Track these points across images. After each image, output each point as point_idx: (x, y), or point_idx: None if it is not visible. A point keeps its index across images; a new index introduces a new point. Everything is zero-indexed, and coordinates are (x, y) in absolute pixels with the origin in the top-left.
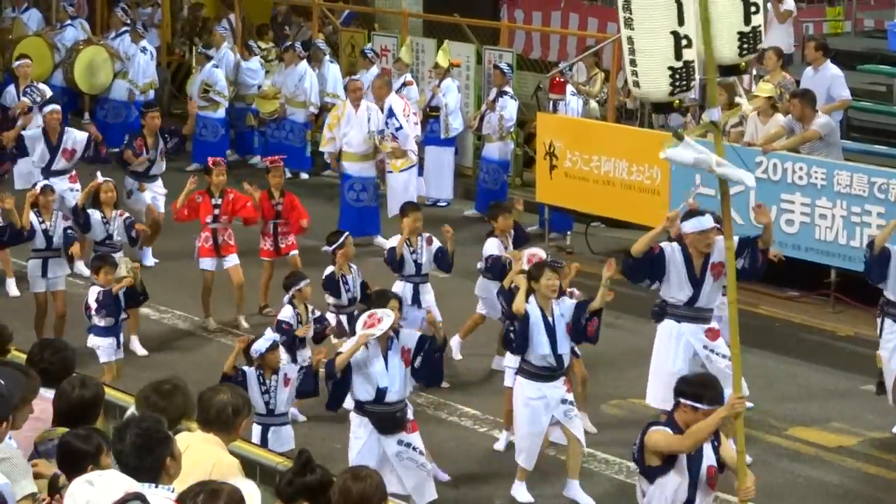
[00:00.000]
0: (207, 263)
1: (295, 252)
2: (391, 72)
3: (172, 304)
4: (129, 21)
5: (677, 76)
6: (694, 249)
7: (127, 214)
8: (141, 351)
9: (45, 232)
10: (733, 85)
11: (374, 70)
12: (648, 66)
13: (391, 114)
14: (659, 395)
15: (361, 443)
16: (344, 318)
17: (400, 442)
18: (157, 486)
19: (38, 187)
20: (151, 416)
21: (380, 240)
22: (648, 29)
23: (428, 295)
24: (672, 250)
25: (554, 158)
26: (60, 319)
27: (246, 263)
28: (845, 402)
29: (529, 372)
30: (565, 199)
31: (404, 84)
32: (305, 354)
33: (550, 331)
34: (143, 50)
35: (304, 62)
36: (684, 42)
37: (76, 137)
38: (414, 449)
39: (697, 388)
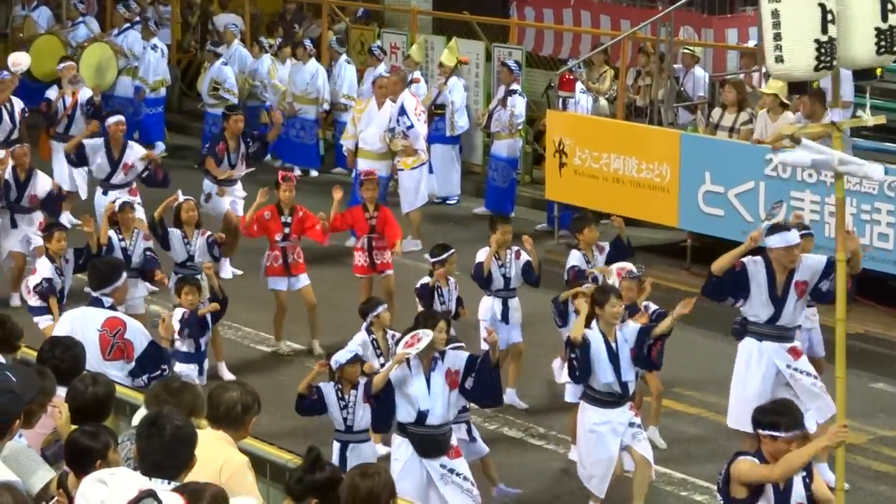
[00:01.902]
0: (278, 283)
1: (390, 272)
2: (403, 69)
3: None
4: (137, 18)
5: (822, 51)
6: (778, 265)
7: (209, 233)
8: (228, 376)
9: (124, 251)
10: (743, 82)
11: (382, 67)
12: (793, 40)
13: (403, 111)
14: (742, 417)
15: (401, 464)
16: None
17: (443, 466)
18: (169, 483)
19: (116, 203)
20: (177, 412)
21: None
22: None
23: (517, 312)
24: (755, 266)
25: (563, 156)
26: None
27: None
28: (855, 399)
29: (594, 398)
30: (575, 197)
31: (412, 81)
32: None
33: (614, 358)
34: (154, 47)
35: (314, 60)
36: (829, 16)
37: (138, 154)
38: (458, 475)
39: (772, 416)
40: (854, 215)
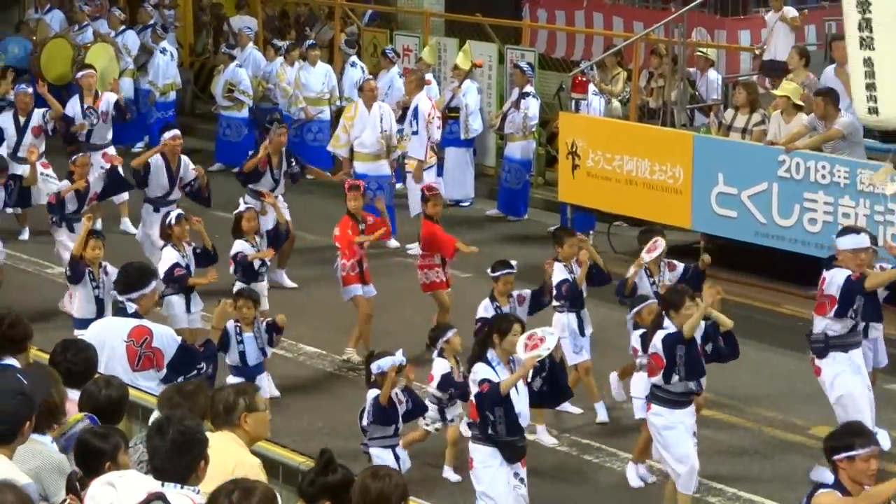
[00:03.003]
0: (358, 290)
1: (448, 290)
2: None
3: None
4: (152, 21)
5: None
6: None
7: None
8: (274, 392)
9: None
10: (755, 83)
11: (395, 70)
12: (891, 90)
13: (415, 114)
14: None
15: (493, 471)
16: None
17: (516, 475)
18: (182, 487)
19: (172, 217)
20: (191, 415)
21: (394, 243)
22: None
23: (590, 325)
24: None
25: (576, 158)
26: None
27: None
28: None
29: (666, 399)
30: (588, 199)
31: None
32: (455, 412)
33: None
34: (163, 51)
35: (320, 62)
36: None
37: (189, 167)
38: (524, 485)
39: (845, 438)
40: (867, 216)
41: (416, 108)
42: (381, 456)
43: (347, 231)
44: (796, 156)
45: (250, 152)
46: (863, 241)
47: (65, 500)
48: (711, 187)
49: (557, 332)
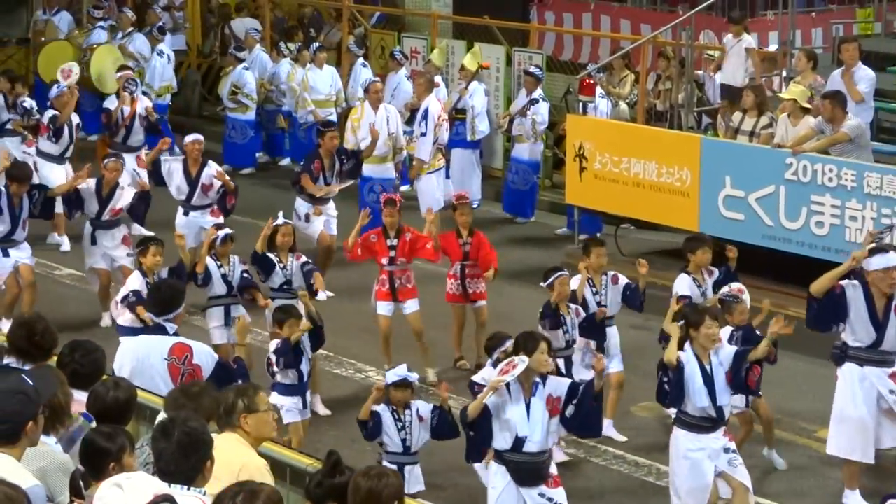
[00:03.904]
0: (382, 308)
1: (483, 303)
2: (429, 72)
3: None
4: (160, 23)
5: None
6: (876, 289)
7: (304, 259)
8: (323, 411)
9: (223, 277)
10: (762, 86)
11: (403, 72)
12: None
13: (425, 116)
14: (843, 443)
15: (497, 493)
16: (561, 363)
17: (542, 495)
18: (189, 488)
19: (219, 236)
20: (196, 416)
21: None
22: None
23: (614, 338)
24: (854, 290)
25: (584, 160)
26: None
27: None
28: None
29: (687, 423)
30: (595, 201)
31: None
32: None
33: (709, 381)
34: (160, 53)
35: (326, 64)
36: None
37: (213, 172)
38: None
39: None
40: (874, 219)
41: (426, 110)
42: None
43: (370, 238)
44: (803, 159)
45: (303, 160)
46: (892, 260)
47: (72, 502)
48: (719, 190)
49: (528, 361)
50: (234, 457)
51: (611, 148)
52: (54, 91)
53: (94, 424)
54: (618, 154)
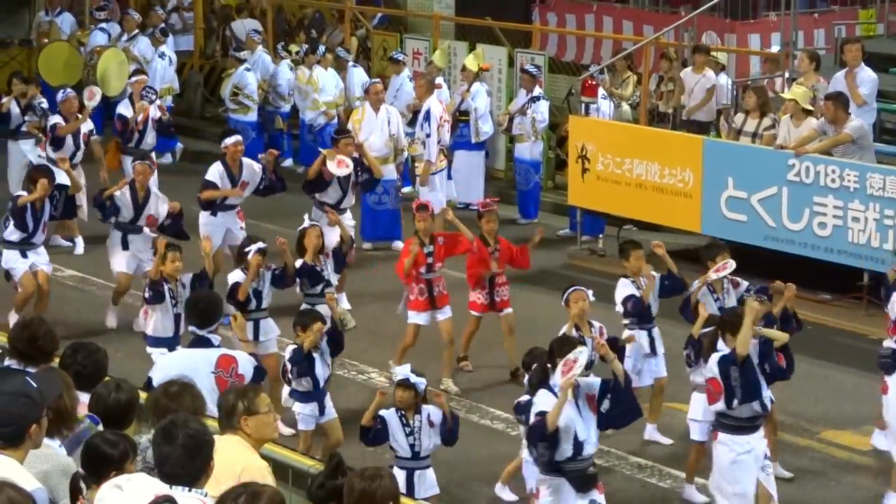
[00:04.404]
0: (420, 318)
1: (510, 310)
2: (431, 73)
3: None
4: (162, 25)
5: None
6: None
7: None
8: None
9: (254, 291)
10: (765, 87)
11: (406, 73)
12: None
13: (427, 117)
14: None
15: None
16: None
17: (593, 502)
18: (190, 490)
19: (253, 249)
20: (194, 418)
21: (399, 245)
22: None
23: (661, 342)
24: None
25: (586, 161)
26: (275, 382)
27: None
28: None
29: (733, 426)
30: (597, 202)
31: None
32: None
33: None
34: (162, 55)
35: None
36: None
37: (254, 168)
38: None
39: None
40: (877, 220)
41: (427, 112)
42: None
43: (407, 255)
44: (806, 160)
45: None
46: None
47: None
48: (721, 191)
49: (586, 349)
50: (236, 459)
51: (613, 149)
52: (60, 95)
53: (100, 427)
54: (620, 155)
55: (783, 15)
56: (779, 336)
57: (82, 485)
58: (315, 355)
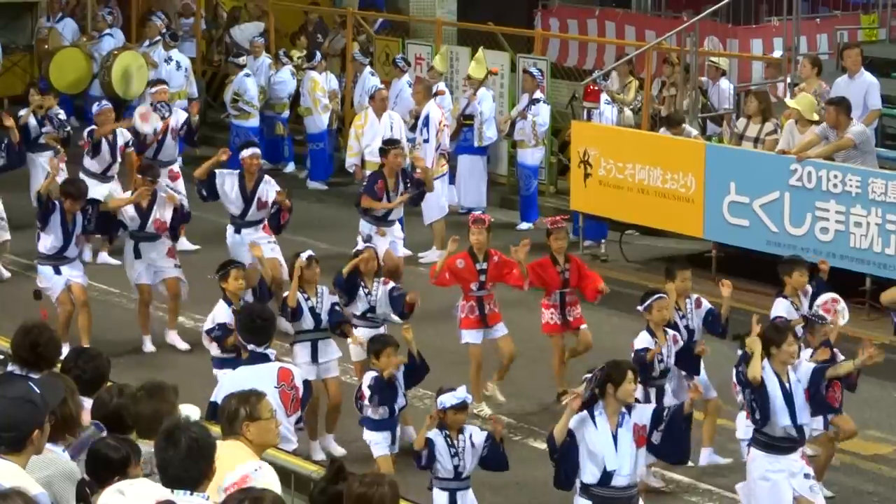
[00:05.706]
0: (473, 336)
1: (585, 326)
2: (427, 80)
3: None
4: (165, 31)
5: None
6: None
7: (393, 284)
8: (339, 451)
9: (311, 310)
10: (766, 92)
11: (406, 79)
12: None
13: (426, 123)
14: None
15: None
16: (652, 392)
17: None
18: (192, 493)
19: (303, 257)
20: (196, 422)
21: (405, 251)
22: None
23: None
24: None
25: (588, 166)
26: (334, 410)
27: None
28: (881, 410)
29: (766, 443)
30: (599, 208)
31: (436, 93)
32: None
33: (788, 399)
34: (168, 60)
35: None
36: None
37: (273, 190)
38: None
39: None
40: (879, 225)
41: (426, 117)
42: (436, 498)
43: (456, 263)
44: (808, 165)
45: (366, 179)
46: None
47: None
48: (723, 196)
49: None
50: (237, 463)
51: (615, 154)
52: (96, 108)
53: (104, 433)
54: (622, 160)
55: (785, 20)
56: (843, 371)
57: (89, 491)
58: (396, 383)
